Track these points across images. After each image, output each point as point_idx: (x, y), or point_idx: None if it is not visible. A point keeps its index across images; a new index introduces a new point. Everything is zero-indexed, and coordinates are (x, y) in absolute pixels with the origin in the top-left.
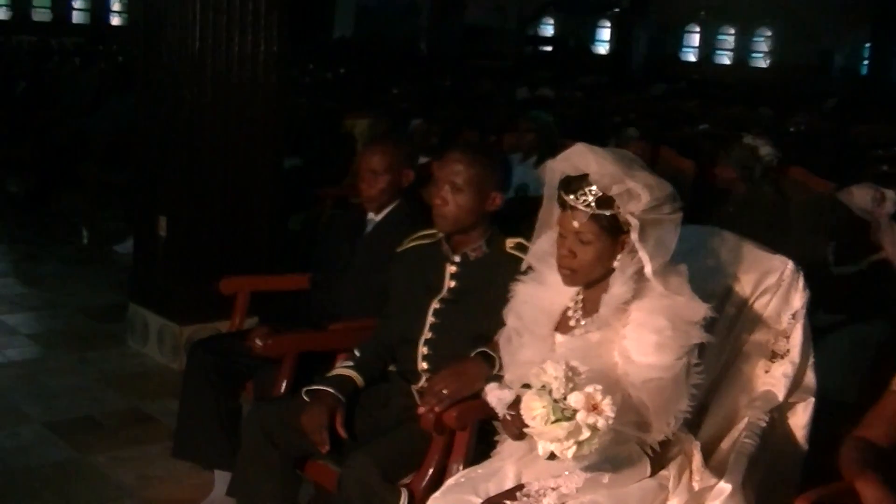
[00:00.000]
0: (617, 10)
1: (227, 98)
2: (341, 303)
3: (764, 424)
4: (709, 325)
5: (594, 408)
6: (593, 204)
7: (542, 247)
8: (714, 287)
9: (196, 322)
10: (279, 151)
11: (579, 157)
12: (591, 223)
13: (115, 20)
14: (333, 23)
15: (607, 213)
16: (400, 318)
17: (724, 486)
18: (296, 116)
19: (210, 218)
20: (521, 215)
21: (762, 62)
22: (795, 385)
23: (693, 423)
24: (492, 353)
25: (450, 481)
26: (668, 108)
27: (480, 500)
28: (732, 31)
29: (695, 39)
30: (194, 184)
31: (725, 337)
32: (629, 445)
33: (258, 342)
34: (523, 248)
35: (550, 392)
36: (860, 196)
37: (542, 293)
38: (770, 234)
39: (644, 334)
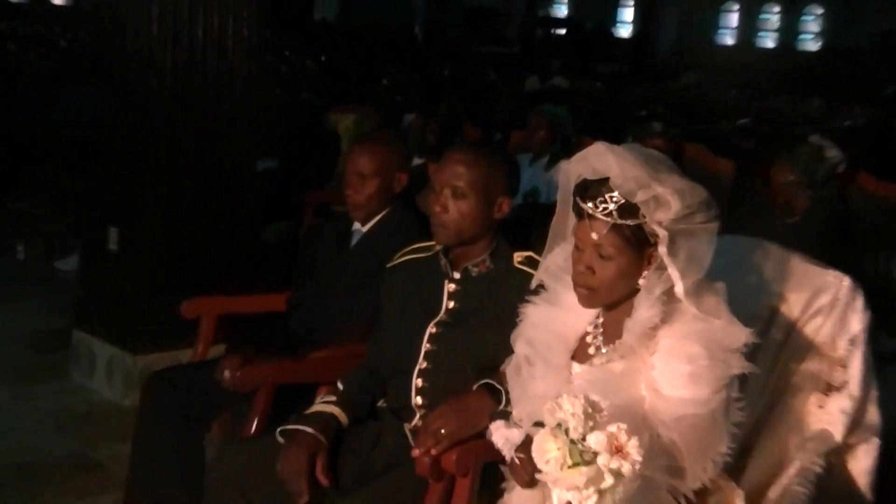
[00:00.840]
0: None
1: (191, 90)
2: (323, 327)
3: (819, 470)
4: (751, 353)
5: (618, 450)
6: (615, 212)
7: (556, 261)
8: (757, 308)
9: (153, 351)
10: (252, 152)
11: (598, 158)
12: (612, 235)
13: None
14: (314, 4)
15: (631, 222)
16: (391, 346)
17: None
18: (271, 111)
19: (170, 229)
20: (531, 224)
21: (812, 45)
22: (855, 423)
23: (734, 468)
24: (498, 385)
25: None
26: (702, 99)
27: None
28: (777, 9)
29: (732, 20)
30: (151, 189)
31: (771, 366)
32: (659, 494)
33: (227, 374)
34: (534, 263)
35: (567, 431)
36: None
37: (556, 316)
38: (831, 248)
39: (675, 364)
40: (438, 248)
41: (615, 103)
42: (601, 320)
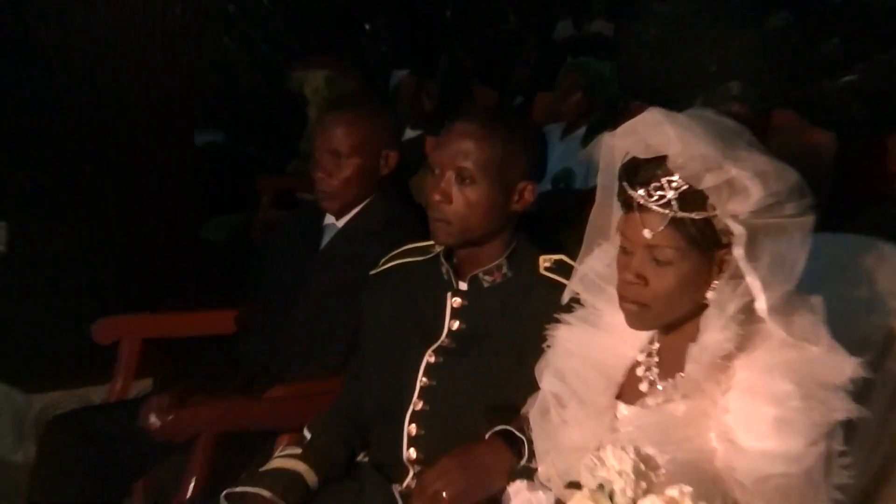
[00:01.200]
0: None
1: (104, 39)
2: (285, 356)
3: None
4: (860, 392)
5: None
6: (674, 202)
7: (596, 268)
8: (869, 331)
9: (53, 388)
10: (188, 121)
11: (653, 130)
12: (671, 232)
13: None
14: None
15: (696, 216)
16: (375, 380)
17: None
18: (215, 67)
19: (76, 224)
20: (562, 218)
21: None
22: None
23: None
24: (518, 433)
25: None
26: (794, 49)
27: None
28: None
29: None
30: (51, 173)
31: (889, 409)
32: None
33: (154, 419)
34: (566, 270)
35: (612, 495)
36: None
37: (595, 341)
38: None
39: (757, 406)
40: (438, 249)
41: (677, 56)
42: (656, 347)
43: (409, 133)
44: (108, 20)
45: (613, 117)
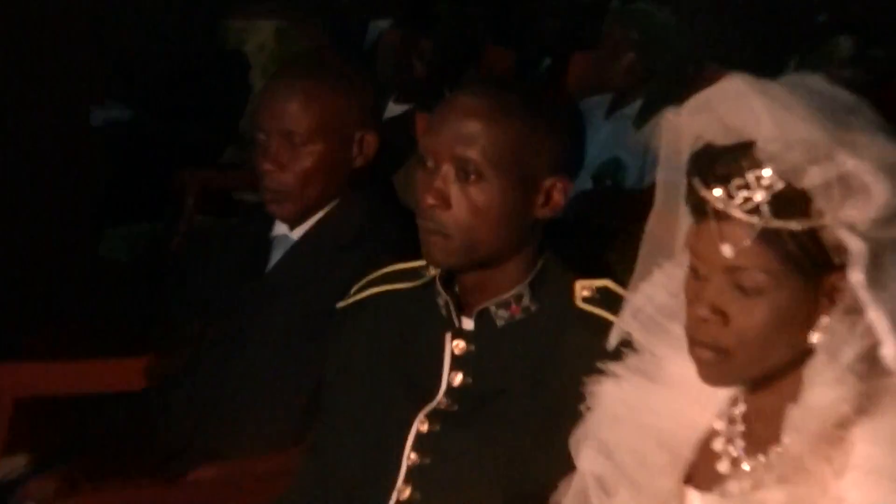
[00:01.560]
0: None
1: None
2: (216, 422)
3: None
4: None
5: None
6: (766, 208)
7: (655, 299)
8: None
9: None
10: (83, 93)
11: (735, 105)
12: (760, 249)
13: None
14: None
15: (797, 226)
16: (344, 456)
17: None
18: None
19: None
20: (609, 228)
21: None
22: None
23: None
24: None
25: None
26: None
27: None
28: None
29: None
30: None
31: None
32: None
33: None
34: (612, 302)
35: None
36: None
37: (655, 402)
38: None
39: (886, 495)
40: (433, 273)
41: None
42: (741, 410)
43: (394, 109)
44: None
45: (679, 87)
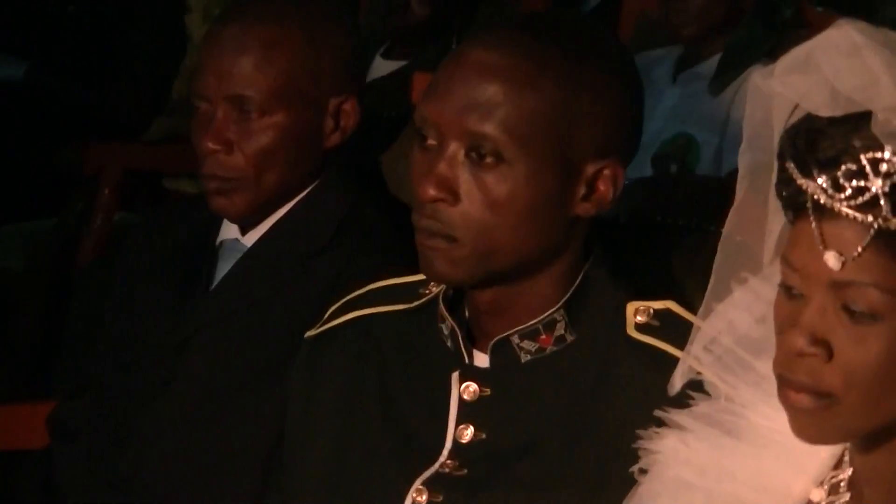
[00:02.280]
0: None
1: None
2: (146, 485)
3: None
4: None
5: None
6: (886, 203)
7: (737, 326)
8: None
9: None
10: None
11: (846, 63)
12: (880, 258)
13: None
14: None
15: None
16: None
17: None
18: None
19: None
20: (673, 230)
21: None
22: None
23: None
24: None
25: None
26: None
27: None
28: None
29: None
30: None
31: None
32: None
33: None
34: (677, 329)
35: None
36: None
37: (732, 462)
38: None
39: None
40: (435, 290)
41: None
42: (847, 475)
43: (382, 65)
44: None
45: (773, 37)
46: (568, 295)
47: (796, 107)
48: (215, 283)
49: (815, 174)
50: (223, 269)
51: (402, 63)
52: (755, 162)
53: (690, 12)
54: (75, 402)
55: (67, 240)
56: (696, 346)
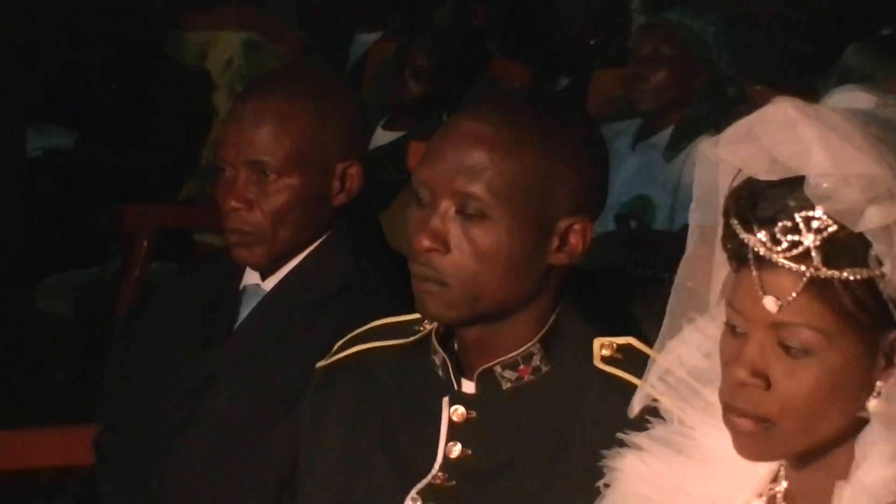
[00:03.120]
0: None
1: None
2: (178, 497)
3: None
4: None
5: None
6: (817, 255)
7: (686, 359)
8: None
9: None
10: (15, 116)
11: (783, 134)
12: (811, 302)
13: None
14: None
15: (852, 276)
16: None
17: None
18: (58, 26)
19: None
20: (634, 276)
21: None
22: None
23: None
24: None
25: None
26: None
27: None
28: None
29: None
30: None
31: None
32: None
33: None
34: (637, 362)
35: None
36: None
37: (683, 479)
38: None
39: None
40: (428, 328)
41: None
42: (782, 488)
43: (383, 136)
44: None
45: (719, 112)
46: (543, 332)
47: (739, 172)
48: (239, 321)
49: (755, 230)
50: (246, 309)
51: (399, 133)
52: (704, 219)
53: (648, 91)
54: (114, 428)
55: (109, 287)
56: (652, 376)
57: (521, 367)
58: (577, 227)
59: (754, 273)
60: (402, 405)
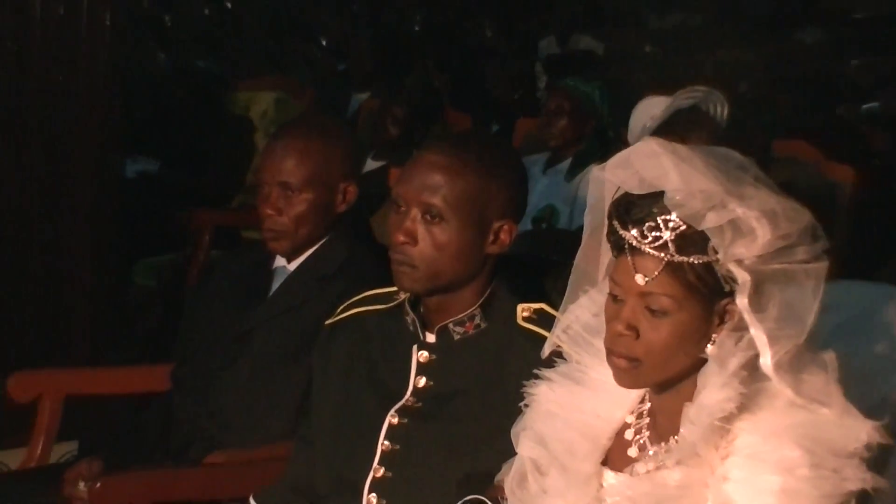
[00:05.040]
0: None
1: (22, 51)
2: (228, 417)
3: None
4: (877, 459)
5: None
6: (671, 245)
7: (581, 318)
8: (887, 392)
9: None
10: (113, 147)
11: (649, 162)
12: (667, 278)
13: None
14: None
15: (697, 260)
16: (330, 445)
17: None
18: (148, 86)
19: None
20: (545, 262)
21: None
22: None
23: None
24: (491, 503)
25: None
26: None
27: None
28: None
29: None
30: None
31: None
32: None
33: (81, 488)
34: (548, 320)
35: None
36: None
37: (579, 400)
38: None
39: (760, 474)
40: (403, 297)
41: (684, 74)
42: (647, 407)
43: (371, 164)
44: (33, 40)
45: (604, 147)
46: (482, 300)
47: (618, 188)
48: (272, 291)
49: (629, 228)
50: (276, 283)
51: (383, 162)
52: (594, 221)
53: (554, 134)
54: (185, 365)
55: (182, 267)
56: (557, 329)
57: (467, 324)
58: (505, 227)
59: (628, 258)
60: (385, 351)
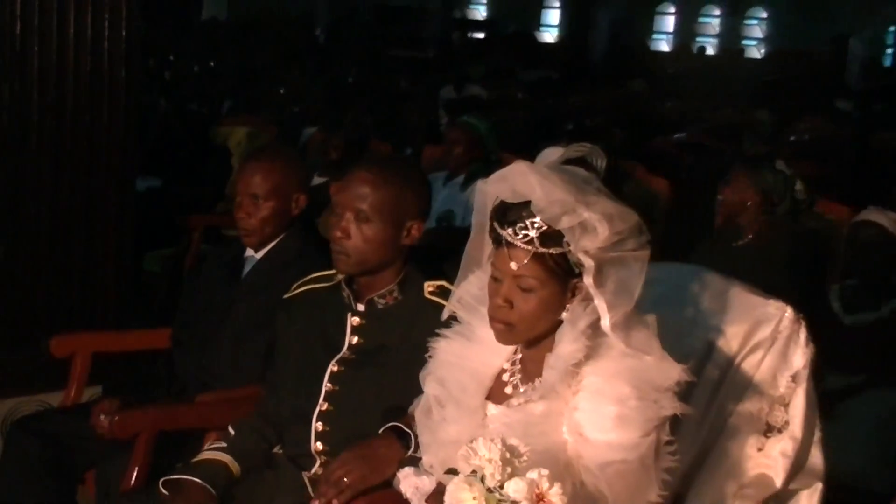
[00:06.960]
0: None
1: (60, 97)
2: (213, 367)
3: None
4: (685, 392)
5: (539, 498)
6: (536, 240)
7: (471, 291)
8: (692, 343)
9: (16, 395)
10: (130, 168)
11: (519, 178)
12: (533, 264)
13: None
14: (203, 2)
15: (554, 251)
16: (288, 386)
17: None
18: (152, 122)
19: (34, 254)
20: (444, 251)
21: (756, 51)
22: (797, 467)
23: None
24: (406, 428)
25: None
26: (642, 110)
27: None
28: (718, 11)
29: (669, 23)
30: (12, 208)
31: (707, 407)
32: None
33: (103, 419)
34: (447, 294)
35: (483, 479)
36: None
37: (469, 352)
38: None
39: (601, 405)
40: (340, 278)
41: (544, 114)
42: (519, 357)
43: (317, 179)
44: (71, 87)
45: (488, 167)
46: (399, 279)
47: (497, 198)
48: (244, 274)
49: (505, 227)
50: (247, 268)
51: (326, 179)
52: (479, 222)
53: (453, 157)
54: (182, 330)
55: (180, 257)
56: (453, 299)
57: (388, 297)
58: (416, 225)
59: (505, 250)
60: (329, 317)
